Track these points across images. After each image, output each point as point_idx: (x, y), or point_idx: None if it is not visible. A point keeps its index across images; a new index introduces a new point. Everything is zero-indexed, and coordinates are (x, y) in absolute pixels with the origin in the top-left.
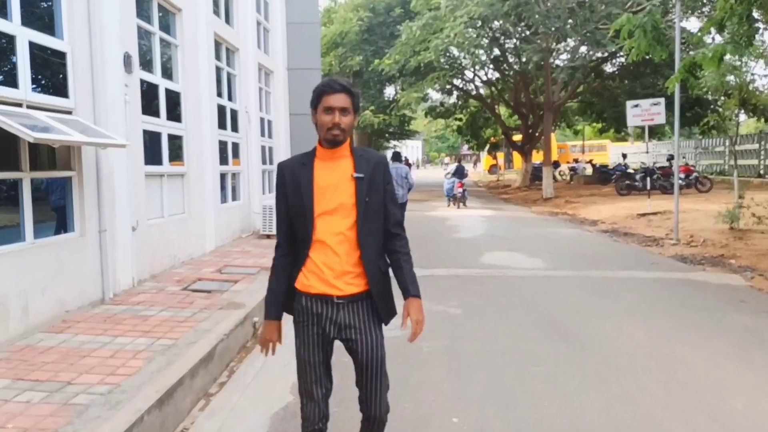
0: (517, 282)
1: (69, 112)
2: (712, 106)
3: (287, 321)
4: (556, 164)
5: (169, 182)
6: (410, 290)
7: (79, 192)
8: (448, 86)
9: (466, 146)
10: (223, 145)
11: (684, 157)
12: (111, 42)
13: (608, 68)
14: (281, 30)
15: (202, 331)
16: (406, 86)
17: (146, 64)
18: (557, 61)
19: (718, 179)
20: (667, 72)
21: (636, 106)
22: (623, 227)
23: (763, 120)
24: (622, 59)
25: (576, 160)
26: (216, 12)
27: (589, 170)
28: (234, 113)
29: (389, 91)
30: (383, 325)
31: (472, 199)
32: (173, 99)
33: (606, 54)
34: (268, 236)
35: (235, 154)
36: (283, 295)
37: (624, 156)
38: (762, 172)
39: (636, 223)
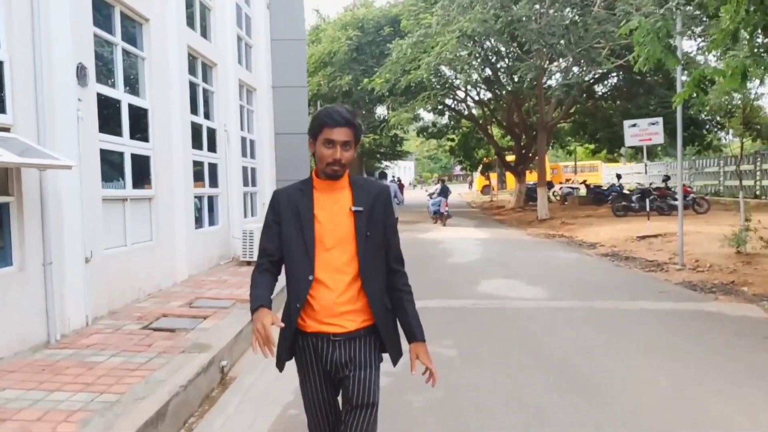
0: (518, 315)
1: (7, 129)
2: (707, 126)
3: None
4: (550, 185)
5: (134, 207)
6: (417, 335)
7: (18, 220)
8: (439, 106)
9: (458, 167)
10: (198, 165)
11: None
12: (60, 52)
13: (600, 89)
14: (265, 46)
15: (155, 383)
16: (397, 106)
17: (106, 78)
18: (550, 81)
19: (713, 200)
20: (661, 92)
21: (634, 125)
22: (623, 250)
23: (759, 140)
24: (614, 80)
25: (568, 180)
26: (191, 24)
27: (582, 191)
28: (211, 132)
29: (380, 111)
30: (393, 365)
31: (466, 221)
32: (139, 116)
33: (601, 72)
34: (249, 263)
35: (213, 176)
36: (266, 290)
37: (618, 177)
38: (758, 192)
39: (636, 246)
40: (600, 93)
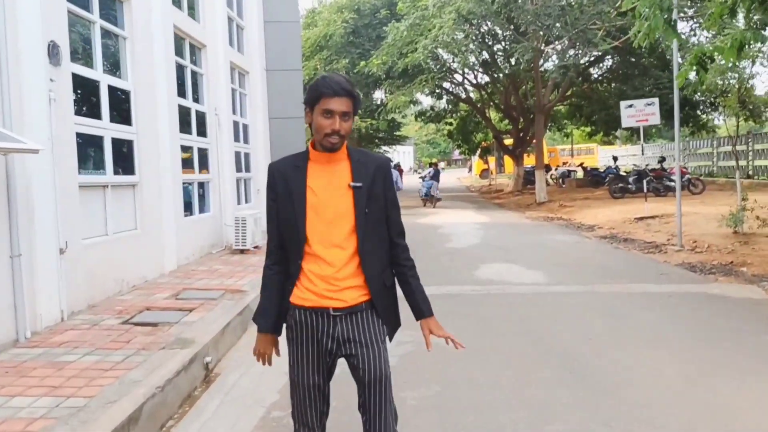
0: (519, 301)
1: None
2: (701, 107)
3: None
4: (547, 168)
5: (116, 194)
6: (424, 311)
7: None
8: (437, 90)
9: (457, 151)
10: (187, 151)
11: (674, 159)
12: (28, 29)
13: (596, 72)
14: (258, 28)
15: (130, 383)
16: (394, 89)
17: (83, 57)
18: (547, 64)
19: (708, 181)
20: (656, 74)
21: (630, 106)
22: (622, 232)
23: (752, 120)
24: (609, 62)
25: (565, 163)
26: (177, 4)
27: (580, 173)
28: (201, 116)
29: (377, 95)
30: (389, 339)
31: (465, 205)
32: (121, 98)
33: (597, 54)
34: (242, 251)
35: (203, 161)
36: (275, 309)
37: (615, 159)
38: (751, 172)
39: (634, 227)
40: (596, 75)
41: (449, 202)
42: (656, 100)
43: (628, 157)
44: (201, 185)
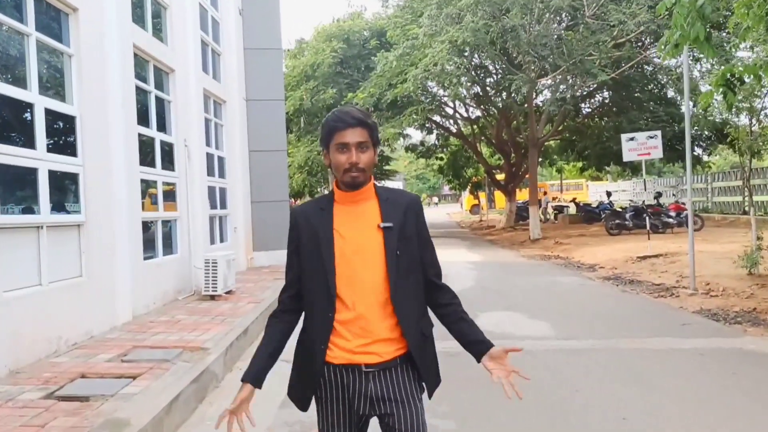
0: (528, 362)
1: None
2: (697, 142)
3: None
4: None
5: (54, 236)
6: (487, 341)
7: None
8: (427, 124)
9: (447, 187)
10: (150, 185)
11: (667, 195)
12: None
13: (586, 107)
14: (237, 55)
15: None
16: (383, 121)
17: (14, 76)
18: (540, 98)
19: (705, 217)
20: (652, 107)
21: (632, 139)
22: (625, 273)
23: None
24: (602, 96)
25: (554, 198)
26: (140, 22)
27: (572, 209)
28: (167, 147)
29: None
30: (428, 397)
31: (457, 242)
32: (63, 124)
33: (593, 86)
34: (213, 297)
35: (170, 197)
36: (265, 358)
37: (608, 194)
38: (746, 208)
39: (638, 267)
40: (588, 110)
41: (439, 240)
42: (658, 132)
43: (619, 192)
44: (167, 224)
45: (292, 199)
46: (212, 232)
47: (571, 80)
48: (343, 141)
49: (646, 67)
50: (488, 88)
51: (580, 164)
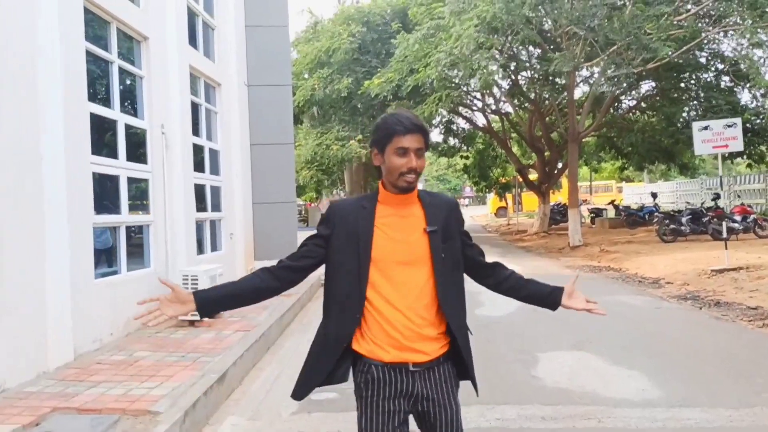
0: None
1: None
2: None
3: None
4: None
5: None
6: (556, 287)
7: None
8: (453, 119)
9: (468, 188)
10: (110, 181)
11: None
12: None
13: (627, 100)
14: (235, 32)
15: None
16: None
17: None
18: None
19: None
20: (711, 96)
21: (705, 128)
22: (703, 291)
23: None
24: (647, 86)
25: (585, 201)
26: None
27: (611, 212)
28: (136, 134)
29: None
30: (476, 395)
31: (486, 249)
32: None
33: (656, 63)
34: (191, 323)
35: (140, 196)
36: (228, 295)
37: (654, 195)
38: None
39: (717, 283)
40: (633, 101)
41: None
42: (738, 120)
43: (659, 194)
44: (134, 230)
45: (307, 202)
46: (201, 240)
47: (625, 57)
48: (403, 145)
49: (698, 52)
50: (521, 78)
51: (618, 163)
